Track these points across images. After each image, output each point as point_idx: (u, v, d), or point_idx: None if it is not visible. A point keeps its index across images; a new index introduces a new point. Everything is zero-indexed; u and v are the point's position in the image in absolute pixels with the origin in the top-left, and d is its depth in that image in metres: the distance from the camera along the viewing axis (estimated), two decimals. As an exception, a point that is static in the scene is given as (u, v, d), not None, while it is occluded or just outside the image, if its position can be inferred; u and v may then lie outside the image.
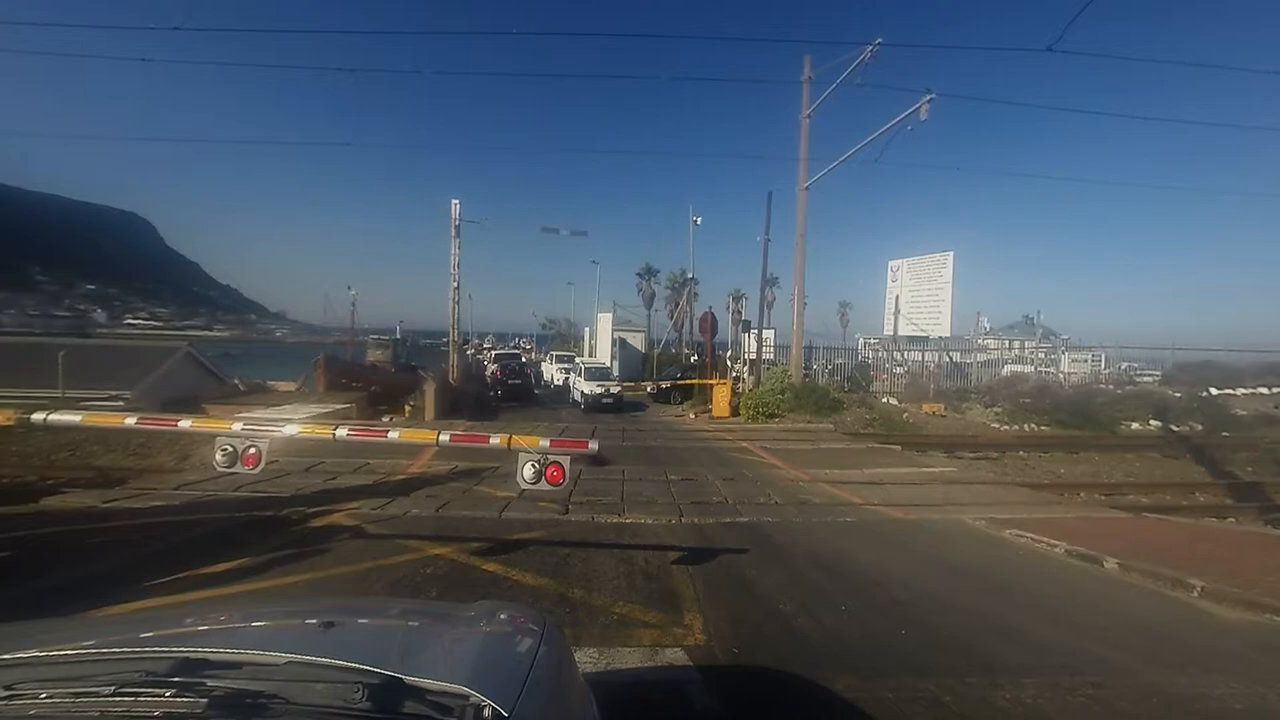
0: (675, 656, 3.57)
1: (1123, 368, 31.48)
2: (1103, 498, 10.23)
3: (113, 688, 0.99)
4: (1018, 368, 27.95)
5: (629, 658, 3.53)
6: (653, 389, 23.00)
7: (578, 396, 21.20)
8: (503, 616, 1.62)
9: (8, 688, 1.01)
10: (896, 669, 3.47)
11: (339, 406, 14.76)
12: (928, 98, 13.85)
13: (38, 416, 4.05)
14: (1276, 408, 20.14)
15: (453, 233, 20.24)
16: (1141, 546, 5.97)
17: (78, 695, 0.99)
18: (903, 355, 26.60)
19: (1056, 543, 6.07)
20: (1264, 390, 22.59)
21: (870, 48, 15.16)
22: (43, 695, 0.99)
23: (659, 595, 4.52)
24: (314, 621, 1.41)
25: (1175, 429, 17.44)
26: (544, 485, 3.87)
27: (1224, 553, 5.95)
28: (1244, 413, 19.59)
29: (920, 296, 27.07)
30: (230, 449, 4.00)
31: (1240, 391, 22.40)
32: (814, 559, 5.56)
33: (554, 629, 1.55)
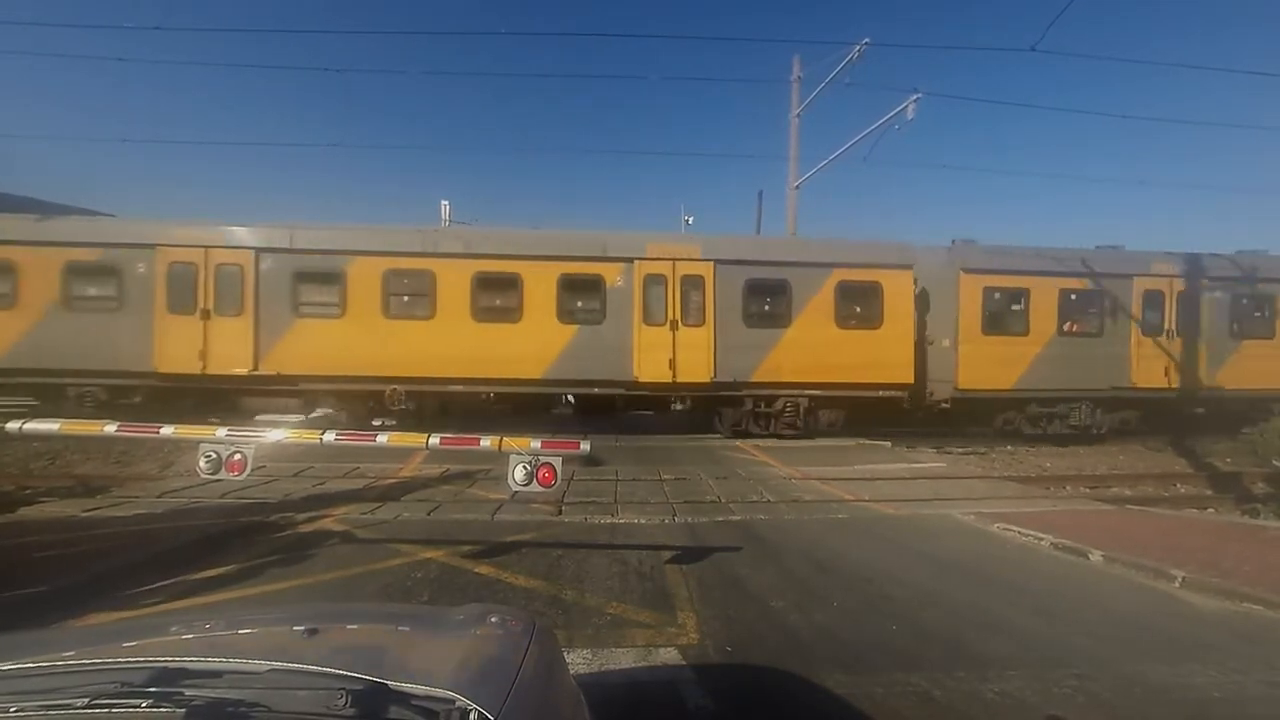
0: (669, 656, 3.58)
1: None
2: (1088, 491, 10.37)
3: (86, 699, 0.97)
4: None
5: (623, 658, 3.53)
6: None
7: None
8: (492, 619, 1.61)
9: None
10: (887, 664, 3.51)
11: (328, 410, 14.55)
12: (914, 97, 13.99)
13: (13, 425, 3.95)
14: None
15: (441, 234, 20.10)
16: (1125, 538, 6.07)
17: (49, 708, 0.96)
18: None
19: (1043, 536, 6.15)
20: (1242, 383, 23.01)
21: (858, 47, 15.25)
22: (12, 709, 0.96)
23: (652, 595, 4.53)
24: (298, 628, 1.39)
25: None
26: (536, 487, 3.85)
27: (1204, 543, 6.07)
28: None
29: (908, 294, 27.27)
30: (214, 455, 3.93)
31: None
32: (806, 556, 5.59)
33: (544, 631, 1.54)
